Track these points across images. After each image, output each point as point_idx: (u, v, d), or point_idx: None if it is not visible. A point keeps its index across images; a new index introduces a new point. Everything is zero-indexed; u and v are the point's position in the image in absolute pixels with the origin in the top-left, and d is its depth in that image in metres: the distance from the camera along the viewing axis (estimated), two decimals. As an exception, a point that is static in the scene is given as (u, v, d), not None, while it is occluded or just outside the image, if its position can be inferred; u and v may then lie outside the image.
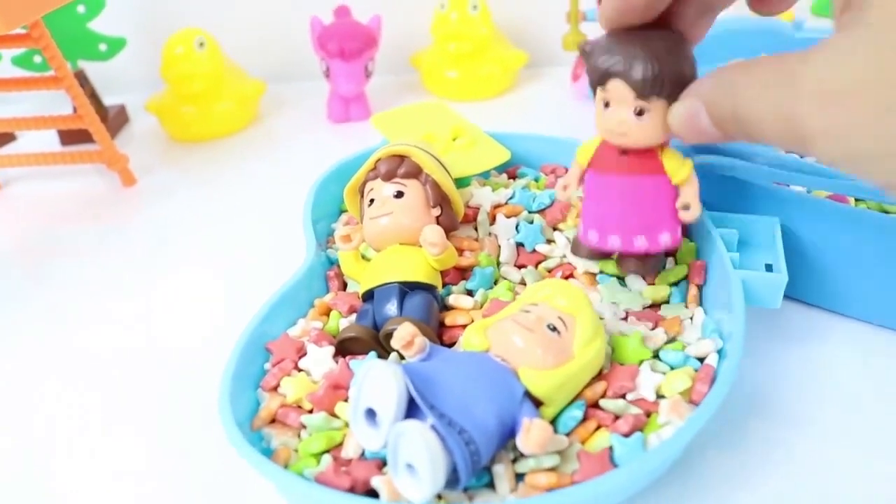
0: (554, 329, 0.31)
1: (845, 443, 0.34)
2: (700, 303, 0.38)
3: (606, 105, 0.34)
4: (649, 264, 0.37)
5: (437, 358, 0.31)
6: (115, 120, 0.74)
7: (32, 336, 0.46)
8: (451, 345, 0.36)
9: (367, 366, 0.29)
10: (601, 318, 0.35)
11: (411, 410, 0.28)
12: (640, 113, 0.33)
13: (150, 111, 0.72)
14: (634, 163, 0.34)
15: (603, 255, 0.38)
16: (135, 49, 0.76)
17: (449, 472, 0.27)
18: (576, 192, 0.38)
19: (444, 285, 0.39)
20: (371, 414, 0.28)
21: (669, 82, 0.31)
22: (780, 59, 0.25)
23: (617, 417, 0.31)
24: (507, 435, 0.29)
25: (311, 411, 0.33)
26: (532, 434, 0.27)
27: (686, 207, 0.35)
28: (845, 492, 0.32)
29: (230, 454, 0.30)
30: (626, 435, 0.30)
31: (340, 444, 0.31)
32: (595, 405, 0.32)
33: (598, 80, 0.33)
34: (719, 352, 0.34)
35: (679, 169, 0.34)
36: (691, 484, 0.33)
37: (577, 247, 0.39)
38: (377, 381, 0.28)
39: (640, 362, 0.33)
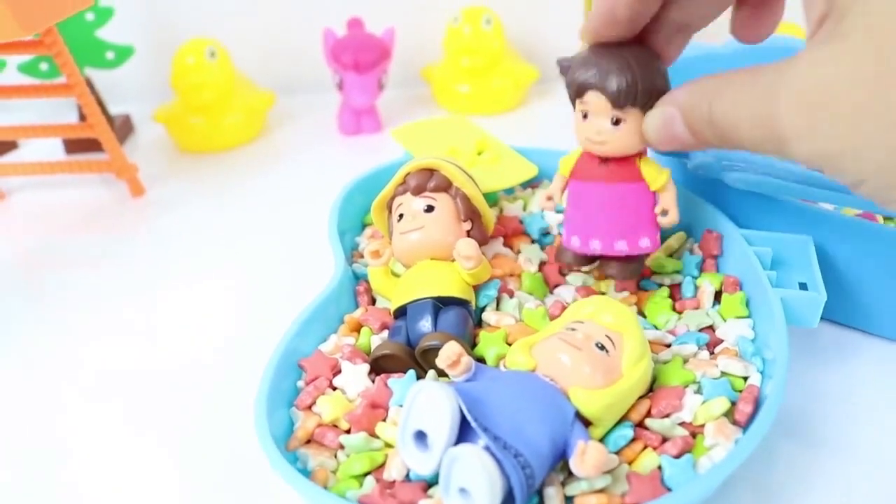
0: (602, 347, 0.30)
1: (879, 466, 0.34)
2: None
3: (585, 116, 0.35)
4: (629, 268, 0.38)
5: (485, 377, 0.30)
6: (120, 129, 0.73)
7: (37, 348, 0.45)
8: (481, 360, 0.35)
9: (416, 386, 0.28)
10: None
11: (462, 433, 0.27)
12: (616, 122, 0.34)
13: (158, 121, 0.71)
14: (614, 171, 0.36)
15: (586, 261, 0.39)
16: (140, 58, 0.75)
17: (504, 497, 0.26)
18: (560, 201, 0.39)
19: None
20: (421, 436, 0.28)
21: (643, 93, 0.33)
22: (757, 69, 0.26)
23: (664, 439, 0.31)
24: (559, 457, 0.28)
25: (348, 431, 0.32)
26: (588, 457, 0.27)
27: (664, 213, 0.36)
28: None
29: (252, 476, 0.30)
30: (676, 457, 0.29)
31: (382, 466, 0.30)
32: (640, 425, 0.31)
33: (576, 92, 0.35)
34: (761, 371, 0.33)
35: (657, 176, 0.36)
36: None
37: (560, 253, 0.39)
38: (428, 402, 0.27)
39: (685, 384, 0.32)
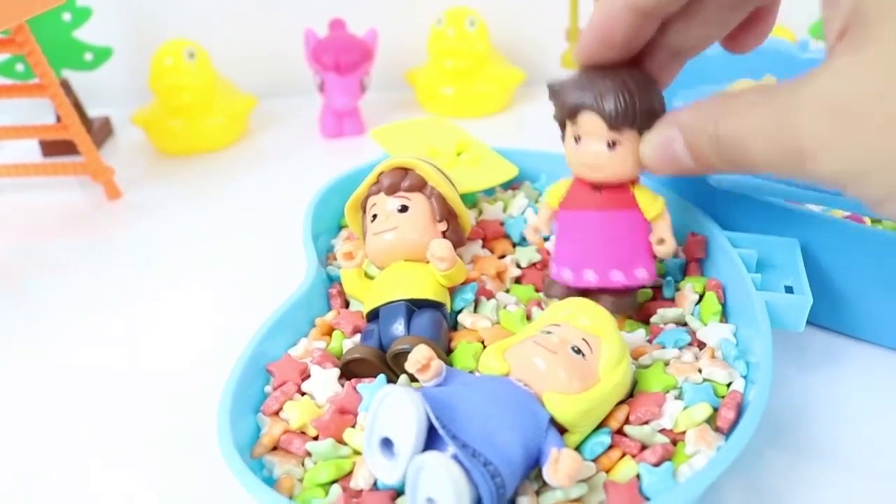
0: (578, 351, 0.29)
1: (865, 472, 0.33)
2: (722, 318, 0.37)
3: (577, 140, 0.34)
4: (624, 303, 0.36)
5: (455, 382, 0.29)
6: (98, 132, 0.72)
7: (12, 351, 0.44)
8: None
9: (382, 391, 0.27)
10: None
11: (430, 440, 0.26)
12: (612, 145, 0.33)
13: (136, 124, 0.69)
14: (608, 199, 0.35)
15: (577, 294, 0.36)
16: (120, 60, 0.73)
17: None
18: (547, 232, 0.38)
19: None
20: (387, 443, 0.26)
21: (641, 113, 0.32)
22: (769, 86, 0.25)
23: (643, 446, 0.29)
24: (532, 465, 0.27)
25: (316, 438, 0.31)
26: (562, 465, 0.25)
27: (661, 242, 0.35)
28: None
29: (226, 483, 0.28)
30: (656, 464, 0.28)
31: (349, 474, 0.29)
32: (619, 432, 0.30)
33: (569, 114, 0.34)
34: (745, 376, 0.32)
35: (652, 204, 0.35)
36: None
37: (549, 287, 0.38)
38: (394, 408, 0.26)
39: (666, 390, 0.31)
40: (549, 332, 0.30)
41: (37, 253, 0.56)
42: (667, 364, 0.33)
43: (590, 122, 0.33)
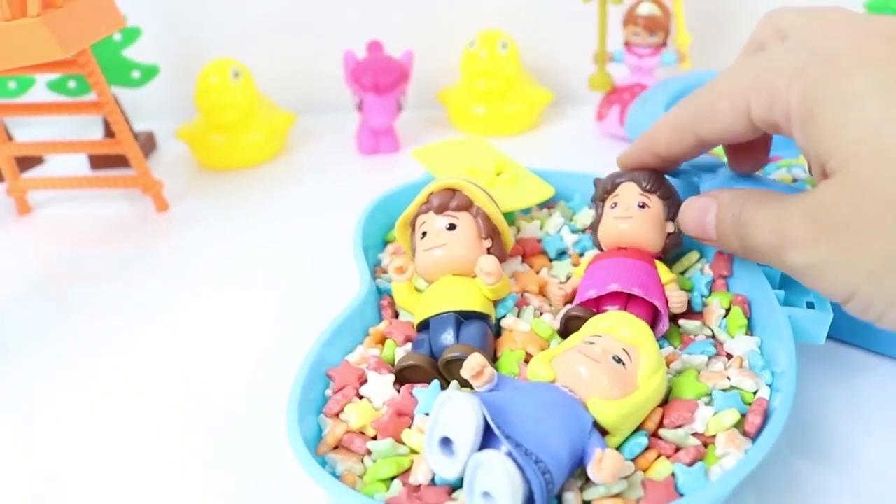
0: (619, 360, 0.31)
1: (881, 481, 0.35)
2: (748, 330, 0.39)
3: (614, 206, 0.41)
4: None
5: (507, 388, 0.31)
6: (144, 145, 0.75)
7: (63, 359, 0.46)
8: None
9: (443, 396, 0.29)
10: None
11: (486, 439, 0.28)
12: (642, 206, 0.40)
13: (180, 138, 0.73)
14: (630, 253, 0.40)
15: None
16: (165, 77, 0.77)
17: (525, 501, 0.27)
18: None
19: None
20: (446, 442, 0.29)
21: (664, 188, 0.41)
22: (776, 195, 0.33)
23: (678, 448, 0.32)
24: (577, 464, 0.30)
25: (374, 438, 0.33)
26: (605, 464, 0.28)
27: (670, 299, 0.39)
28: None
29: (289, 483, 0.31)
30: (689, 465, 0.31)
31: (408, 470, 0.32)
32: (654, 434, 0.33)
33: (611, 188, 0.42)
34: (770, 385, 0.35)
35: (666, 273, 0.40)
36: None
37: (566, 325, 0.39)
38: (454, 410, 0.29)
39: (698, 397, 0.34)
40: (591, 343, 0.32)
41: (86, 262, 0.58)
42: (699, 373, 0.35)
43: (627, 189, 0.41)
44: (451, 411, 0.29)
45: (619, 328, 0.33)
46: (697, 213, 0.36)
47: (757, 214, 0.32)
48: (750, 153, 0.41)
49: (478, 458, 0.27)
